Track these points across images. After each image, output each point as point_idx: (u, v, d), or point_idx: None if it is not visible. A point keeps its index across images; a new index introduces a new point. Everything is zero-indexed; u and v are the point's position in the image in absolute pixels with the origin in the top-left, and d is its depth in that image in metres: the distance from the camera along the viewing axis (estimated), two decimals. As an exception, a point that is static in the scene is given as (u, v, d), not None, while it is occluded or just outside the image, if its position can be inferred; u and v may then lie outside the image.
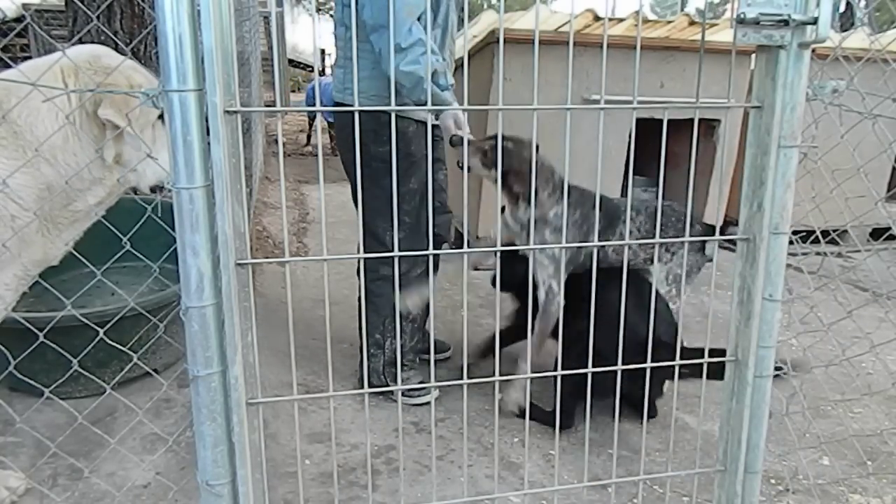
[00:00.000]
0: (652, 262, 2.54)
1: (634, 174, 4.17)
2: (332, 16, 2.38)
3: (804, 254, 3.73)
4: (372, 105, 2.25)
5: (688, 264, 2.63)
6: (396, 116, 2.02)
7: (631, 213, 2.52)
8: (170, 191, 1.07)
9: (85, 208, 1.65)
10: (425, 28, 2.16)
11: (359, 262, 2.47)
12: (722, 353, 1.48)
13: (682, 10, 15.63)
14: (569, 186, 2.30)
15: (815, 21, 1.20)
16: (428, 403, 2.47)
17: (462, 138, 2.18)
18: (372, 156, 2.23)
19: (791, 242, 1.37)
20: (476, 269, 3.94)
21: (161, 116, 1.62)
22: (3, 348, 1.53)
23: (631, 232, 2.51)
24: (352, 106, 2.25)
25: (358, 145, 1.34)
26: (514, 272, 2.47)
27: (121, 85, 1.55)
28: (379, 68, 2.20)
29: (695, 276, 2.77)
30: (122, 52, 1.66)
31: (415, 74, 2.07)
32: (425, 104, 2.12)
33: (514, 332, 2.58)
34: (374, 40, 2.15)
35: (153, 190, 1.71)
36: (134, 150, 1.61)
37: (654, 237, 2.44)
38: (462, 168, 2.30)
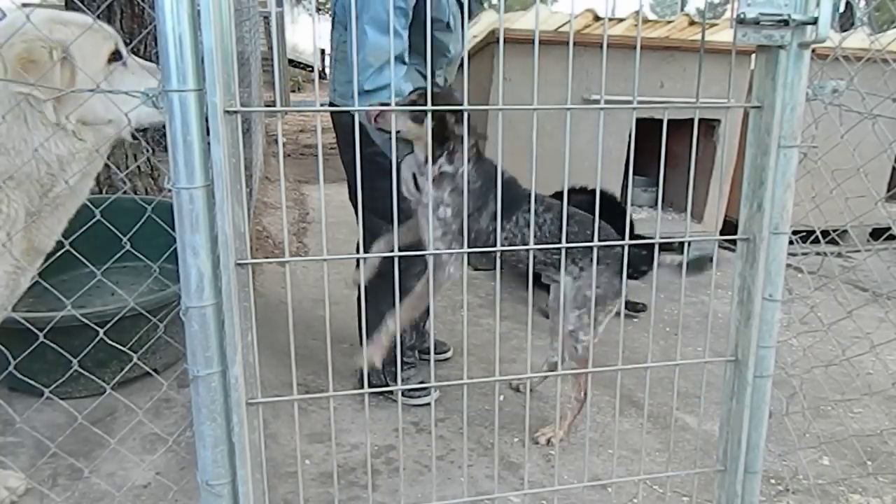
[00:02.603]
0: (555, 267, 2.21)
1: (634, 174, 4.17)
2: (332, 16, 2.37)
3: (804, 254, 3.73)
4: (352, 105, 2.22)
5: (602, 287, 2.17)
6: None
7: (539, 207, 2.16)
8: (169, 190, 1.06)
9: (65, 191, 1.49)
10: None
11: (357, 260, 2.47)
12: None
13: (682, 10, 15.63)
14: (484, 159, 2.11)
15: (815, 21, 1.20)
16: (428, 404, 2.47)
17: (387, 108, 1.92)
18: (363, 156, 2.23)
19: (791, 242, 1.37)
20: (477, 269, 3.95)
21: (113, 56, 1.44)
22: (3, 348, 1.53)
23: (537, 224, 2.18)
24: (342, 107, 2.27)
25: (358, 145, 1.33)
26: None
27: (38, 48, 1.32)
28: None
29: (611, 303, 2.23)
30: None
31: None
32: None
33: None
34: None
35: (144, 131, 1.50)
36: (99, 101, 1.40)
37: (556, 239, 2.09)
38: (385, 130, 1.97)
